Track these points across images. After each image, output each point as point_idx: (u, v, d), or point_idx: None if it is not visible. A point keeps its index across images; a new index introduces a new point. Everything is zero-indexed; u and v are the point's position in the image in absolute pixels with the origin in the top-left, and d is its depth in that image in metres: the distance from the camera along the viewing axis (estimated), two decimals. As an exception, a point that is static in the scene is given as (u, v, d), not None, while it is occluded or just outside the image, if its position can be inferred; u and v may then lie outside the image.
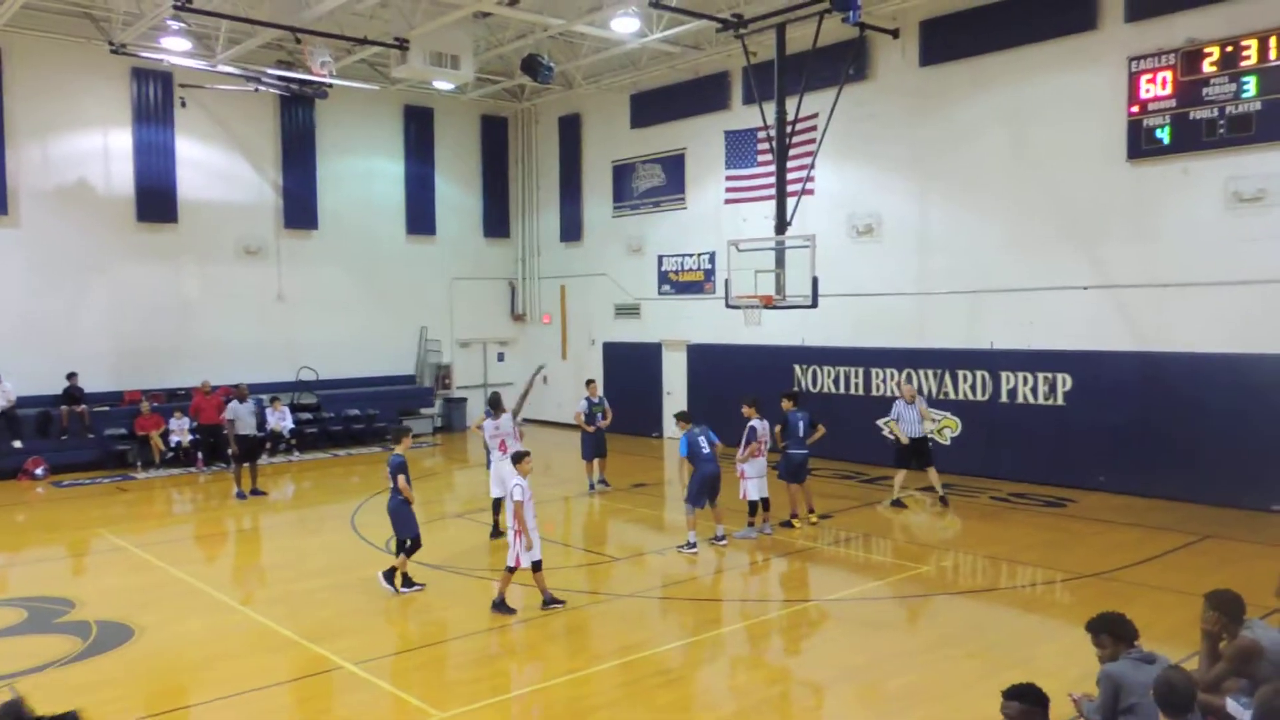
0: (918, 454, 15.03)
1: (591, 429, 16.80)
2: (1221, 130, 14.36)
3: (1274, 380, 14.01)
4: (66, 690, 8.05)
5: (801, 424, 13.74)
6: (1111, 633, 5.60)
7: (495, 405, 13.68)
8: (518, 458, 10.19)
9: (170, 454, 20.09)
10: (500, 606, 9.97)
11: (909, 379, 17.38)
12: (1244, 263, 14.28)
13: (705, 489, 12.48)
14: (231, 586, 11.67)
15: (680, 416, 13.21)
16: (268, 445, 19.99)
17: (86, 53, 20.24)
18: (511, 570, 9.92)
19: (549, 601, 10.08)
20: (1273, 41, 13.78)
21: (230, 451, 17.05)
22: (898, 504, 15.12)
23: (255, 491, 16.94)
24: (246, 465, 16.91)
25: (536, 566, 10.02)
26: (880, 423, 14.97)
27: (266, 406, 21.51)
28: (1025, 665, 8.04)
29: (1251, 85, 14.03)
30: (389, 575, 10.88)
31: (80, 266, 20.81)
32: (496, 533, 13.34)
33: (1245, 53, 14.06)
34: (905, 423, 14.94)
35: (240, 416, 16.73)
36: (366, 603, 10.52)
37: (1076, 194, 16.10)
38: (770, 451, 13.50)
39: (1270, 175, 14.01)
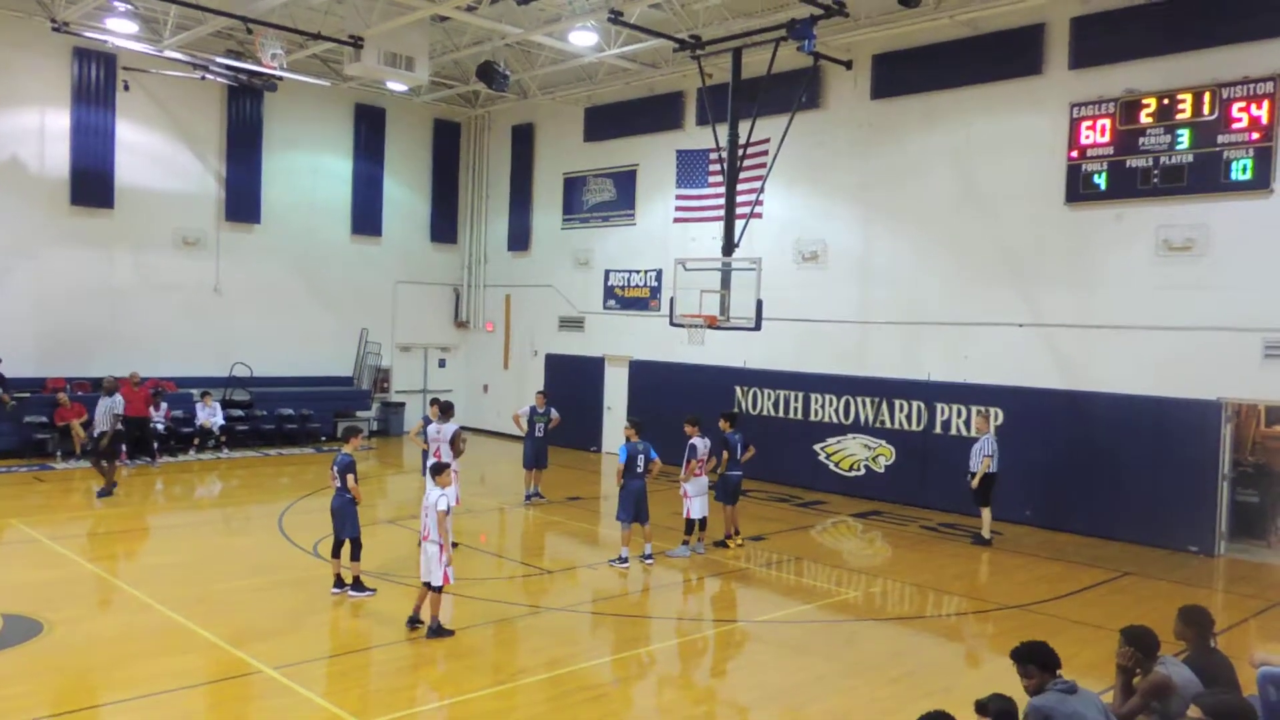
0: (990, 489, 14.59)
1: (525, 431, 16.89)
2: (1155, 180, 14.82)
3: (1194, 424, 14.47)
4: (-33, 686, 7.76)
5: (739, 446, 13.87)
6: (1038, 662, 5.68)
7: (446, 411, 13.51)
8: (437, 470, 9.86)
9: (92, 445, 19.47)
10: (438, 631, 9.33)
11: (981, 414, 15.68)
12: (1170, 309, 14.73)
13: (633, 505, 12.50)
14: (149, 584, 11.27)
15: (633, 425, 12.93)
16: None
17: (25, 28, 19.63)
18: (440, 590, 9.34)
19: (438, 631, 9.40)
20: (1206, 97, 14.29)
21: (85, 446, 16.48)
22: (985, 540, 14.58)
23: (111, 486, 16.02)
24: (112, 462, 16.17)
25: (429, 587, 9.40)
26: (980, 460, 14.49)
27: (197, 401, 21.09)
28: (945, 694, 8.16)
29: (1185, 138, 14.53)
30: (357, 584, 10.66)
31: (7, 248, 20.14)
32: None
33: (1180, 106, 14.56)
34: (996, 456, 14.44)
35: (99, 412, 16.06)
36: (290, 606, 10.30)
37: (1015, 233, 16.49)
38: (710, 472, 13.54)
39: (1198, 226, 14.50)
